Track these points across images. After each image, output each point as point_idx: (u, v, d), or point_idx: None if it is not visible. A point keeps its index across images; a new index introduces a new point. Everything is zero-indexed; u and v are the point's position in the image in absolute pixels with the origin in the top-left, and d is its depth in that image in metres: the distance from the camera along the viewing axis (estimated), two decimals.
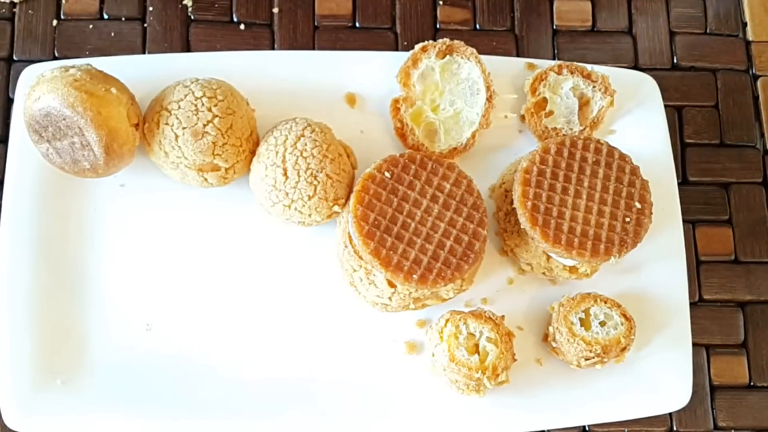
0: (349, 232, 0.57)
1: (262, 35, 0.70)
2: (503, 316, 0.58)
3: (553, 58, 0.71)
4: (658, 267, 0.64)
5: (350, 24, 0.71)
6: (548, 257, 0.61)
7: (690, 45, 0.74)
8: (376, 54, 0.66)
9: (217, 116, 0.57)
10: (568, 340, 0.57)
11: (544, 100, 0.65)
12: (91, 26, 0.68)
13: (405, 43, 0.71)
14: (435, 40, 0.65)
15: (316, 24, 0.70)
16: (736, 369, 0.66)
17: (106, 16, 0.69)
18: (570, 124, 0.65)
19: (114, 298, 0.61)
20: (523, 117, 0.66)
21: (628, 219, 0.58)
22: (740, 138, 0.72)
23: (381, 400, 0.60)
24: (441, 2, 0.72)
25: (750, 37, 0.74)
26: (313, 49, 0.70)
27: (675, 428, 0.65)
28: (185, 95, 0.58)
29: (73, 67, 0.56)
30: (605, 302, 0.59)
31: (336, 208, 0.59)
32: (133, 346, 0.60)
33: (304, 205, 0.58)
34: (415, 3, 0.71)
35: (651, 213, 0.59)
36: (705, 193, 0.70)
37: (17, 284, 0.59)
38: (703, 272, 0.69)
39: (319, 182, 0.58)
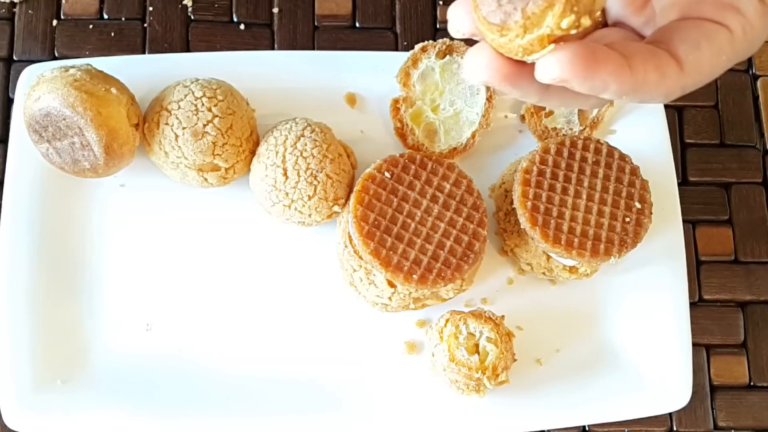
0: (349, 232, 0.57)
1: (262, 35, 0.70)
2: (503, 316, 0.58)
3: None
4: (658, 267, 0.64)
5: (350, 24, 0.71)
6: (548, 257, 0.61)
7: None
8: (376, 54, 0.66)
9: (217, 116, 0.57)
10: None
11: None
12: (91, 26, 0.68)
13: (405, 43, 0.70)
14: (435, 40, 0.65)
15: (316, 24, 0.70)
16: (736, 369, 0.66)
17: (106, 16, 0.69)
18: (570, 124, 0.65)
19: (114, 298, 0.61)
20: (523, 117, 0.66)
21: (628, 219, 0.58)
22: (740, 138, 0.72)
23: (380, 400, 0.60)
24: (441, 2, 0.72)
25: None
26: (313, 49, 0.70)
27: (675, 428, 0.65)
28: (185, 95, 0.58)
29: (73, 67, 0.56)
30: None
31: (336, 208, 0.59)
32: (133, 346, 0.60)
33: (304, 205, 0.58)
34: (415, 3, 0.71)
35: (651, 213, 0.59)
36: (705, 193, 0.70)
37: (17, 284, 0.59)
38: (703, 272, 0.68)
39: (319, 182, 0.58)
